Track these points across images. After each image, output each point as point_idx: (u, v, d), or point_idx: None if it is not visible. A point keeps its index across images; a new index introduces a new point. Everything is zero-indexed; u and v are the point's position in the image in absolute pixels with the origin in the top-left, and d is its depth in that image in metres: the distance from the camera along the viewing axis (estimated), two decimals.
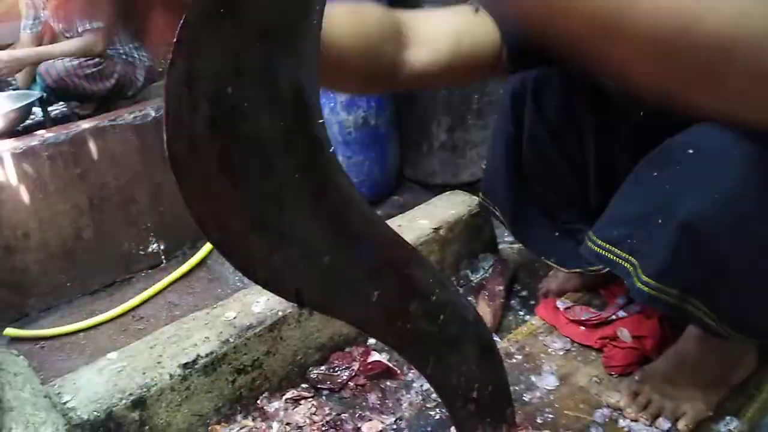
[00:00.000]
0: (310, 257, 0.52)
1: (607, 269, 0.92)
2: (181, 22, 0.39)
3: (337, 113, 2.24)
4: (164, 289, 2.38)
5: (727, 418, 0.98)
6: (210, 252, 2.49)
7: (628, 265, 0.87)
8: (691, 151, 0.79)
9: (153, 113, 2.31)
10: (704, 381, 0.99)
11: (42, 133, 2.16)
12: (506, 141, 1.16)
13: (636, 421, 0.98)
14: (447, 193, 1.67)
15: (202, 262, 2.48)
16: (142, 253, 2.46)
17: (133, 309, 2.29)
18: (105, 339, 2.17)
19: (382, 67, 0.81)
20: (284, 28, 0.43)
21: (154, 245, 2.48)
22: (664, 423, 0.96)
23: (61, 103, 2.62)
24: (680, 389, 0.98)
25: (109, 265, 2.39)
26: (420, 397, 1.13)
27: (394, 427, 1.05)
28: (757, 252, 0.76)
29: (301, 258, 0.51)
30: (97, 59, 2.39)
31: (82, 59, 2.37)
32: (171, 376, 1.09)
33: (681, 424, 0.95)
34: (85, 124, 2.21)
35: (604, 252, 0.90)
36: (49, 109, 2.54)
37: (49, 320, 2.27)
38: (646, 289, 0.83)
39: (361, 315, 0.58)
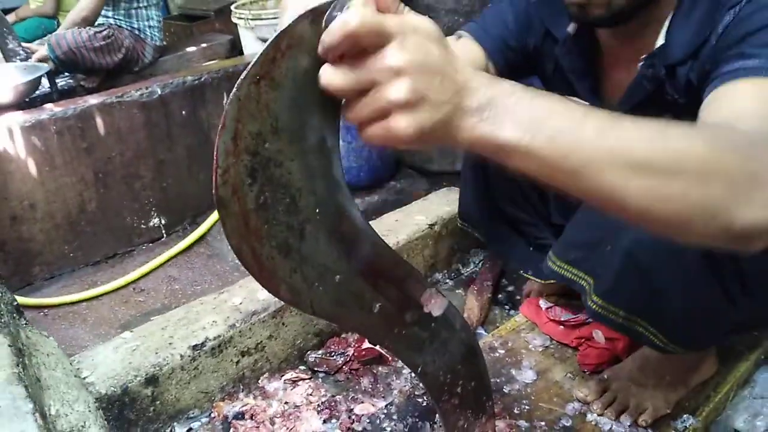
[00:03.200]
0: (324, 277, 0.60)
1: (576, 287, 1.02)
2: (231, 96, 0.47)
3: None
4: (164, 263, 2.46)
5: (685, 416, 1.09)
6: (210, 229, 2.57)
7: (585, 283, 0.97)
8: None
9: (159, 91, 2.36)
10: (665, 382, 1.09)
11: (50, 107, 2.21)
12: (476, 172, 1.27)
13: (602, 415, 1.09)
14: (443, 189, 1.75)
15: (201, 239, 2.55)
16: (143, 226, 2.53)
17: (134, 281, 2.37)
18: (106, 309, 2.26)
19: None
20: (315, 96, 0.51)
21: (156, 220, 2.56)
22: (626, 419, 1.07)
23: (67, 75, 2.66)
24: (643, 388, 1.09)
25: (112, 238, 2.47)
26: (409, 384, 1.24)
27: (385, 411, 1.15)
28: (690, 279, 0.85)
29: (317, 277, 0.60)
30: (106, 32, 2.43)
31: (92, 32, 2.41)
32: (181, 356, 1.18)
33: (641, 419, 1.06)
34: (93, 100, 2.26)
35: (563, 271, 1.01)
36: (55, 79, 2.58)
37: (53, 289, 2.35)
38: (594, 306, 0.93)
39: (364, 323, 0.67)
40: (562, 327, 1.27)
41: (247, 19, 2.52)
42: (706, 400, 1.12)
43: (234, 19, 2.60)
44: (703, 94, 0.75)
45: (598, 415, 1.09)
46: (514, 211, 1.28)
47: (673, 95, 0.92)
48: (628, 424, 1.07)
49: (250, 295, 1.33)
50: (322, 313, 0.63)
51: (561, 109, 0.51)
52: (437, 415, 1.13)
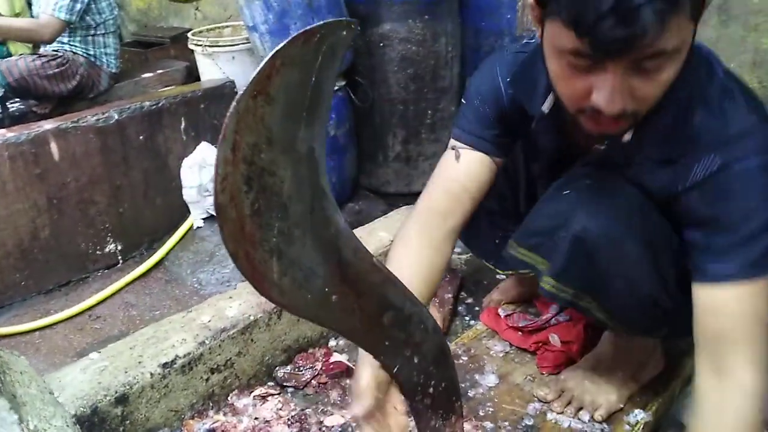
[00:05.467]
0: (310, 280, 0.65)
1: (533, 273, 1.10)
2: (231, 110, 0.52)
3: None
4: (121, 289, 2.43)
5: (636, 411, 1.17)
6: (167, 254, 2.55)
7: (541, 266, 1.06)
8: (587, 182, 0.99)
9: (116, 116, 2.35)
10: (617, 379, 1.18)
11: (2, 132, 2.17)
12: None
13: (561, 413, 1.16)
14: (404, 207, 1.82)
15: (159, 264, 2.53)
16: (99, 253, 2.49)
17: (90, 308, 2.33)
18: (61, 338, 2.20)
19: None
20: (305, 109, 0.57)
21: (112, 245, 2.52)
22: (584, 415, 1.15)
23: (18, 100, 2.62)
24: (597, 386, 1.17)
25: (65, 265, 2.41)
26: None
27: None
28: (627, 265, 0.96)
29: (304, 280, 0.64)
30: (60, 60, 2.42)
31: (45, 59, 2.39)
32: (152, 374, 1.19)
33: (597, 415, 1.14)
34: (47, 125, 2.24)
35: (522, 256, 1.10)
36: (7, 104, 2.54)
37: (3, 318, 2.28)
38: (548, 287, 1.04)
39: (346, 325, 0.72)
40: (520, 333, 1.34)
41: (205, 45, 2.56)
42: (656, 396, 1.21)
43: (191, 46, 2.63)
44: (689, 247, 0.92)
45: (558, 414, 1.17)
46: (489, 203, 1.34)
47: (635, 176, 0.97)
48: (586, 420, 1.14)
49: (219, 313, 1.35)
50: (309, 315, 0.67)
51: None
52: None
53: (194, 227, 2.56)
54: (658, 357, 1.24)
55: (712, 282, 0.88)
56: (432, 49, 2.36)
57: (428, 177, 1.28)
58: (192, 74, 2.92)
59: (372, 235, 1.64)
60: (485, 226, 1.38)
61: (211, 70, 2.65)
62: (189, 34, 2.65)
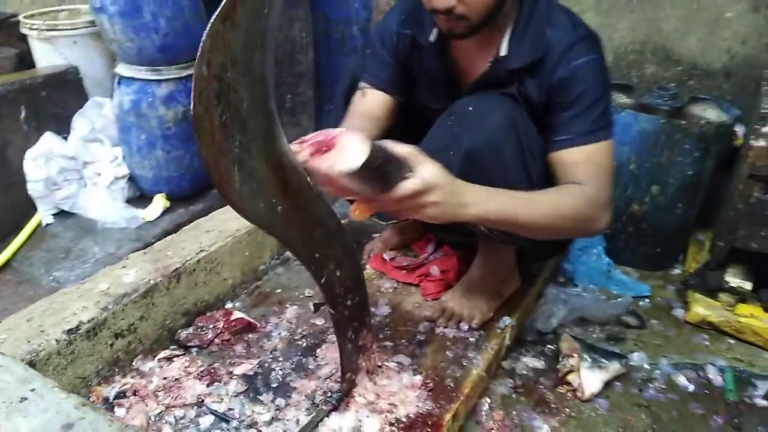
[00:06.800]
0: (263, 190, 0.76)
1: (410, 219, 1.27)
2: (206, 32, 0.62)
3: (156, 108, 2.29)
4: None
5: (504, 318, 1.42)
6: (14, 254, 2.36)
7: None
8: (470, 108, 1.21)
9: None
10: (486, 294, 1.42)
11: None
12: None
13: (446, 327, 1.37)
14: None
15: (6, 265, 2.34)
16: None
17: None
18: None
19: None
20: (260, 36, 0.68)
21: None
22: (464, 326, 1.37)
23: None
24: (471, 302, 1.40)
25: None
26: (288, 333, 1.38)
27: (271, 356, 1.28)
28: (505, 168, 1.18)
29: (258, 190, 0.75)
30: None
31: None
32: (57, 341, 1.17)
33: (473, 323, 1.37)
34: None
35: None
36: None
37: None
38: None
39: (289, 235, 0.84)
40: (404, 271, 1.53)
41: (42, 29, 2.41)
42: (516, 307, 1.47)
43: (24, 30, 2.45)
44: (549, 131, 1.20)
45: (444, 328, 1.37)
46: None
47: (515, 91, 1.24)
48: (465, 328, 1.36)
49: (116, 280, 1.35)
50: (263, 222, 0.78)
51: (502, 198, 1.06)
52: (317, 351, 1.30)
53: (43, 224, 2.40)
54: (516, 277, 1.51)
55: (559, 150, 1.17)
56: (288, 34, 2.47)
57: None
58: (24, 61, 2.71)
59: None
60: None
61: (48, 57, 2.50)
62: (21, 18, 2.47)
